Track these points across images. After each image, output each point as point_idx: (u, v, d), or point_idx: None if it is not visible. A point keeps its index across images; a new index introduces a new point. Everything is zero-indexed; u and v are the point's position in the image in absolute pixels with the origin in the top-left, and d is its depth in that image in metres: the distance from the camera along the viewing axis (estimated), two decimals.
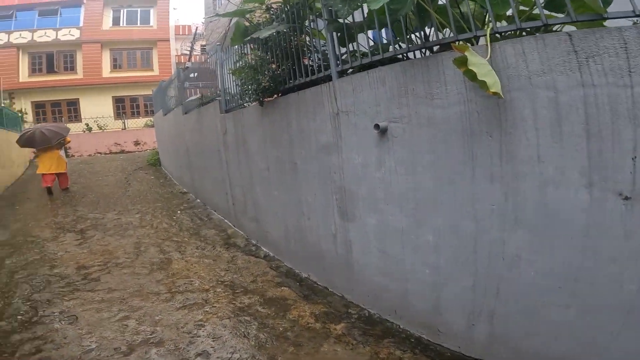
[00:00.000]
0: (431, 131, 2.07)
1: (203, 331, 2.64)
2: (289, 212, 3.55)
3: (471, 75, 1.62)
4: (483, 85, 1.60)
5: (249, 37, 3.43)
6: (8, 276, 3.56)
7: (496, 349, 1.95)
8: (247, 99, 3.93)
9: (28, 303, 3.04)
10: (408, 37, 2.16)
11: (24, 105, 16.89)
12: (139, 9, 19.70)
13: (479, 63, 1.62)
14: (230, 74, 4.16)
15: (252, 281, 3.61)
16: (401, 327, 2.50)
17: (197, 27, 20.18)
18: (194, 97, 5.51)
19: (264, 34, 3.04)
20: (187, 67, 7.17)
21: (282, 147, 3.44)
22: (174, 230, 5.18)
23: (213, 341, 2.52)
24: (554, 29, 1.89)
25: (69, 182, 8.15)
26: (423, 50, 2.26)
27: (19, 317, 2.80)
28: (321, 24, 2.87)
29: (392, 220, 2.38)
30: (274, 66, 3.40)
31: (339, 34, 2.70)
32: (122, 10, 19.38)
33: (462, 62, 1.63)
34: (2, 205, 6.69)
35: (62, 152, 8.17)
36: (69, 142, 8.42)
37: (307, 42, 3.14)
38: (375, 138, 2.36)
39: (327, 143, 2.82)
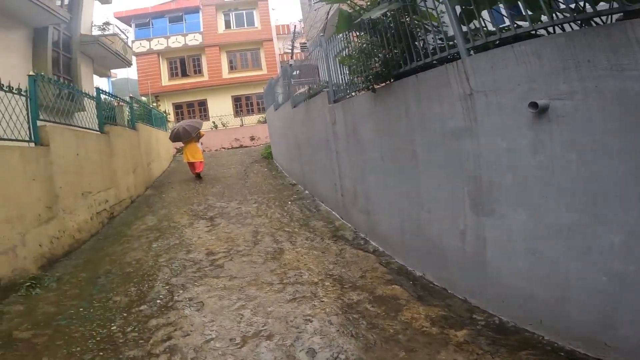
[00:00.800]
0: (622, 108, 1.53)
1: (310, 327, 2.60)
2: (405, 205, 3.27)
3: None
4: None
5: (358, 20, 3.21)
6: (154, 259, 4.17)
7: None
8: (356, 87, 3.75)
9: (167, 287, 3.46)
10: (569, 6, 1.74)
11: (167, 107, 20.17)
12: (244, 12, 21.38)
13: None
14: (338, 64, 4.05)
15: (360, 276, 3.47)
16: (546, 338, 2.11)
17: (295, 26, 21.07)
18: (302, 90, 5.59)
19: (375, 14, 2.78)
20: (292, 64, 7.38)
21: (399, 134, 3.16)
22: (286, 221, 5.39)
23: (320, 339, 2.45)
24: None
25: (202, 171, 9.49)
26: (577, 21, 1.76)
27: (158, 301, 3.19)
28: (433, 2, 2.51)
29: (551, 216, 1.93)
30: (384, 50, 3.11)
31: (462, 7, 2.31)
32: (231, 14, 21.31)
33: None
34: (153, 194, 8.06)
35: (199, 144, 9.58)
36: (203, 135, 9.73)
37: (422, 22, 2.76)
38: (528, 119, 1.90)
39: (457, 128, 2.44)
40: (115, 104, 8.39)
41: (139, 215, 6.23)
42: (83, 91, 6.54)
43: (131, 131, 8.24)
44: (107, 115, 7.61)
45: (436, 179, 2.75)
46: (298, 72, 7.37)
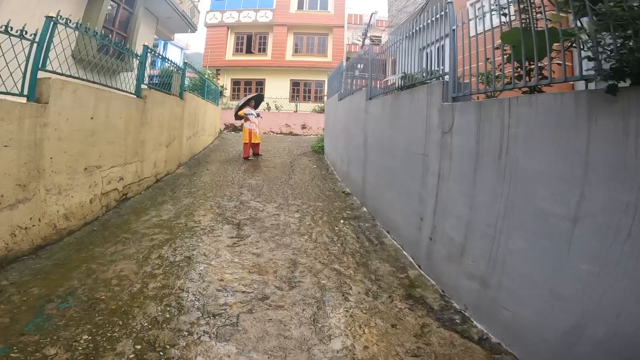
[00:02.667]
0: None
1: None
2: (626, 310, 1.59)
3: None
4: None
5: None
6: (143, 283, 2.85)
7: None
8: (501, 82, 2.10)
9: (138, 346, 2.12)
10: None
11: (226, 81, 19.54)
12: None
13: None
14: (467, 44, 2.41)
15: None
16: None
17: (372, 14, 19.32)
18: (393, 76, 3.99)
19: None
20: (374, 46, 5.84)
21: None
22: (336, 251, 3.89)
23: None
24: None
25: (245, 154, 8.87)
26: None
27: None
28: None
29: None
30: None
31: None
32: None
33: None
34: (183, 174, 6.95)
35: (246, 124, 8.71)
36: (243, 114, 8.77)
37: None
38: None
39: None
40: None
41: (156, 202, 5.07)
42: (124, 46, 5.48)
43: (176, 99, 7.18)
44: (163, 82, 6.73)
45: None
46: (362, 65, 6.71)
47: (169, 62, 7.06)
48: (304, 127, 17.09)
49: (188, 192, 5.75)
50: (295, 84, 20.03)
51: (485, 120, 2.38)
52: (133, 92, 5.27)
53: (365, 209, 5.35)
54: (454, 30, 2.86)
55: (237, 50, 20.22)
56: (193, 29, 12.84)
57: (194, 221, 4.36)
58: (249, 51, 20.02)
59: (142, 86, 5.55)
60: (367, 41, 18.93)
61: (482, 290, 2.58)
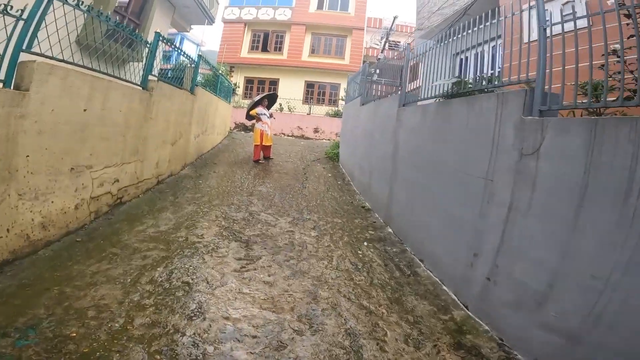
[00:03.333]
0: None
1: None
2: None
3: None
4: None
5: None
6: (127, 317, 2.22)
7: None
8: None
9: None
10: None
11: (239, 79, 19.07)
12: None
13: None
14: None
15: None
16: None
17: (394, 18, 18.78)
18: (442, 81, 3.34)
19: None
20: (412, 46, 5.23)
21: None
22: (362, 281, 3.27)
23: None
24: None
25: (255, 157, 8.26)
26: None
27: None
28: None
29: None
30: None
31: None
32: None
33: None
34: (188, 176, 6.38)
35: (258, 125, 8.19)
36: (255, 113, 8.28)
37: None
38: None
39: None
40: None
41: (155, 208, 4.48)
42: (133, 32, 4.96)
43: (186, 94, 6.64)
44: (176, 76, 6.24)
45: None
46: (379, 70, 6.75)
47: (182, 53, 6.54)
48: (316, 130, 16.53)
49: (192, 197, 5.17)
50: (309, 86, 19.50)
51: (604, 145, 1.74)
52: (138, 82, 4.73)
53: (390, 230, 4.72)
54: (544, 29, 2.24)
55: (253, 47, 19.77)
56: (210, 20, 12.35)
57: (197, 235, 3.77)
58: (264, 49, 19.56)
59: (150, 77, 5.02)
60: (387, 45, 18.39)
61: (567, 346, 1.97)
